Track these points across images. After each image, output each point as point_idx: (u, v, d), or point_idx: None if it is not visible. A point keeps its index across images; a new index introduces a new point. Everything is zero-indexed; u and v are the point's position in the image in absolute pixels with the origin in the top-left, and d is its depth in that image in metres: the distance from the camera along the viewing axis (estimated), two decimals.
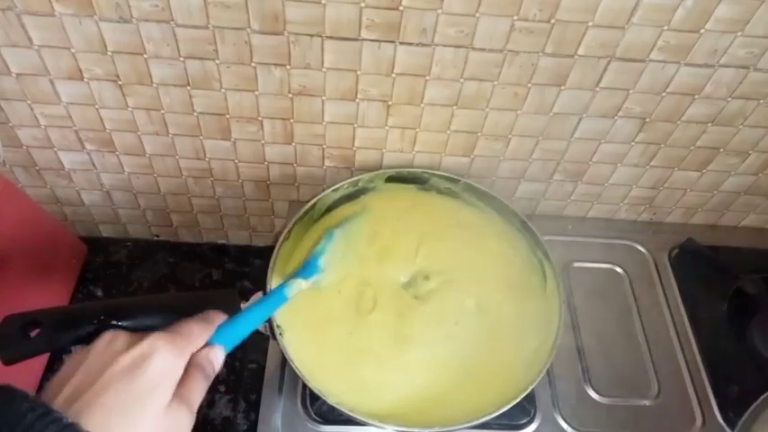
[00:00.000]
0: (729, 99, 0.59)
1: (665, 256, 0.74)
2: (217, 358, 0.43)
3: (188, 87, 0.58)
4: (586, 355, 0.64)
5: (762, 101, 0.59)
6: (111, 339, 0.40)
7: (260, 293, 0.56)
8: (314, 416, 0.59)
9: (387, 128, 0.63)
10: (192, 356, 0.41)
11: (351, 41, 0.53)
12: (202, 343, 0.43)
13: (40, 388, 0.68)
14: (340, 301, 0.59)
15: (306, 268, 0.57)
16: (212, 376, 0.42)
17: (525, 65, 0.55)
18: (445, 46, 0.54)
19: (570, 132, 0.63)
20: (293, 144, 0.65)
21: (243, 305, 0.55)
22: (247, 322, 0.49)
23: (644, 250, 0.74)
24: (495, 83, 0.57)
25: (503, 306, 0.60)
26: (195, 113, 0.61)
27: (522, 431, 0.59)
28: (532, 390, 0.54)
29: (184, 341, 0.40)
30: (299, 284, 0.55)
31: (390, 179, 0.66)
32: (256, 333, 0.55)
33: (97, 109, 0.60)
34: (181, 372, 0.39)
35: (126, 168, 0.68)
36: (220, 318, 0.47)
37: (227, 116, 0.61)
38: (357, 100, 0.59)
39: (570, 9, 0.50)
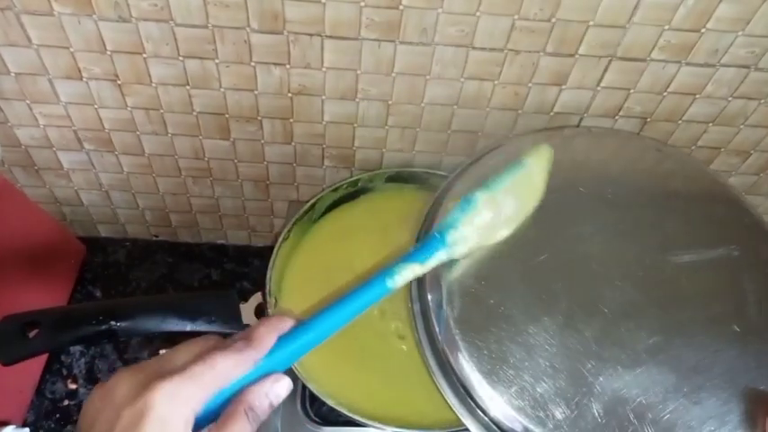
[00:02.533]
0: (730, 99, 0.59)
1: None
2: (273, 392, 0.37)
3: (187, 87, 0.58)
4: None
5: (763, 100, 0.59)
6: (111, 387, 0.33)
7: (259, 294, 0.56)
8: (313, 417, 0.59)
9: (387, 127, 0.63)
10: (244, 391, 0.35)
11: (350, 41, 0.53)
12: (232, 376, 0.35)
13: (39, 388, 0.68)
14: None
15: (423, 248, 0.44)
16: (262, 416, 0.36)
17: (526, 64, 0.55)
18: (445, 45, 0.54)
19: None
20: (293, 144, 0.65)
21: (242, 305, 0.55)
22: (321, 327, 0.40)
23: None
24: (496, 82, 0.57)
25: None
26: (194, 113, 0.61)
27: None
28: None
29: (194, 386, 0.33)
30: (412, 271, 0.43)
31: (390, 179, 0.66)
32: None
33: (96, 108, 0.60)
34: (190, 419, 0.32)
35: (125, 168, 0.68)
36: (271, 335, 0.38)
37: (227, 116, 0.61)
38: (357, 99, 0.59)
39: (571, 8, 0.50)
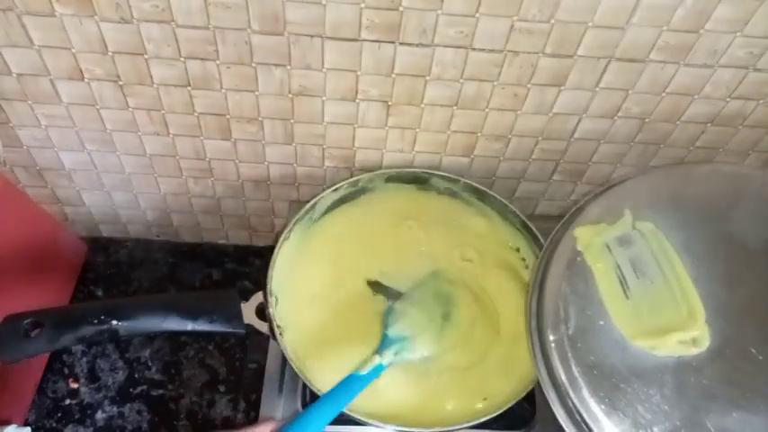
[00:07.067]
0: (729, 99, 0.59)
1: None
2: None
3: (188, 88, 0.58)
4: None
5: (761, 101, 0.59)
6: None
7: (260, 293, 0.57)
8: None
9: (387, 128, 0.63)
10: None
11: (351, 42, 0.53)
12: None
13: (41, 388, 0.68)
14: (341, 302, 0.59)
15: (380, 345, 0.57)
16: None
17: (525, 65, 0.55)
18: (445, 46, 0.54)
19: (570, 133, 0.63)
20: (293, 144, 0.65)
21: (243, 305, 0.56)
22: (315, 419, 0.50)
23: None
24: (495, 83, 0.57)
25: (503, 306, 0.61)
26: (195, 114, 0.61)
27: (521, 431, 0.59)
28: (532, 389, 0.54)
29: None
30: (373, 360, 0.55)
31: (390, 179, 0.66)
32: (257, 333, 0.55)
33: (98, 109, 0.60)
34: None
35: (126, 168, 0.68)
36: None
37: (228, 116, 0.61)
38: (357, 100, 0.59)
39: (570, 9, 0.50)
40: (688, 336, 0.47)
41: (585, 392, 0.46)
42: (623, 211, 0.53)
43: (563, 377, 0.46)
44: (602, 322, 0.48)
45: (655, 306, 0.49)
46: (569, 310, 0.49)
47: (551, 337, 0.48)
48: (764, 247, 0.51)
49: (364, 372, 0.54)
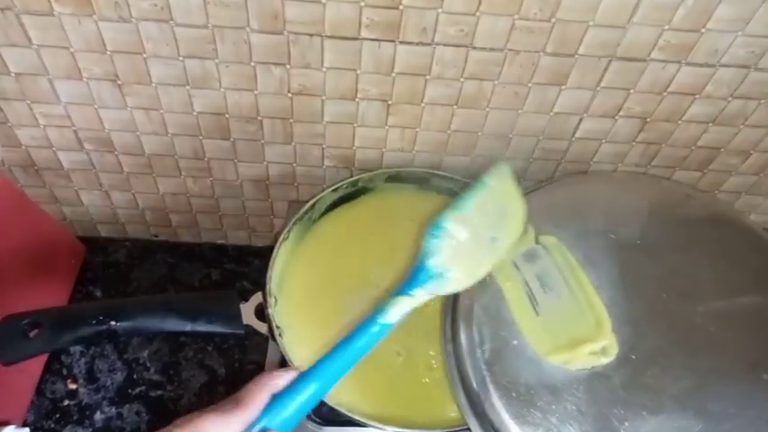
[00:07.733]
0: (730, 99, 0.59)
1: None
2: None
3: (187, 87, 0.58)
4: None
5: (763, 100, 0.59)
6: None
7: (259, 294, 0.56)
8: (313, 417, 0.59)
9: (387, 127, 0.63)
10: None
11: (350, 41, 0.53)
12: None
13: (39, 388, 0.68)
14: (341, 302, 0.59)
15: (412, 280, 0.45)
16: None
17: (526, 64, 0.55)
18: (445, 45, 0.54)
19: (571, 132, 0.63)
20: (293, 144, 0.65)
21: (242, 305, 0.56)
22: (322, 377, 0.42)
23: None
24: (496, 82, 0.57)
25: None
26: (194, 113, 0.61)
27: None
28: None
29: None
30: (402, 304, 0.44)
31: (390, 179, 0.66)
32: (256, 334, 0.55)
33: (96, 109, 0.60)
34: None
35: (125, 168, 0.68)
36: (261, 394, 0.40)
37: (227, 116, 0.61)
38: (357, 99, 0.59)
39: (571, 8, 0.50)
40: (598, 346, 0.47)
41: (505, 416, 0.45)
42: (525, 227, 0.52)
43: (482, 401, 0.46)
44: (515, 342, 0.48)
45: (564, 320, 0.48)
46: (483, 332, 0.48)
47: (468, 362, 0.48)
48: (658, 251, 0.52)
49: (392, 319, 0.43)
